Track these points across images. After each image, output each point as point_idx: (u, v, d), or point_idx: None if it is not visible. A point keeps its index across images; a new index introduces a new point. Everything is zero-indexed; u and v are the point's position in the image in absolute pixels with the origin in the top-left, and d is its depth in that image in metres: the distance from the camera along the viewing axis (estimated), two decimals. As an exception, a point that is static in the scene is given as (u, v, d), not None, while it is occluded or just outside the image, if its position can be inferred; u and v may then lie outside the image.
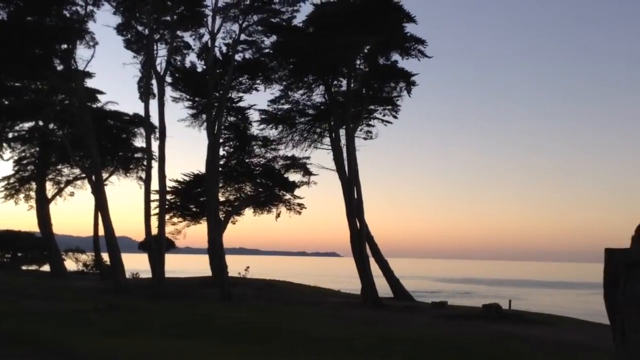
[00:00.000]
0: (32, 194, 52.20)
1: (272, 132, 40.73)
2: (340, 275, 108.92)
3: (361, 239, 35.37)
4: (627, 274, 9.65)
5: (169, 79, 38.83)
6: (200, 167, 42.10)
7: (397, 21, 34.47)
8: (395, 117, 39.60)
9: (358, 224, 35.51)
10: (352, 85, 36.51)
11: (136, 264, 53.97)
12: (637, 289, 9.54)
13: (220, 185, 40.72)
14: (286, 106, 39.47)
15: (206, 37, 38.21)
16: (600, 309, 10.18)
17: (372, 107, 39.54)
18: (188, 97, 41.07)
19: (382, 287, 38.74)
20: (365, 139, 40.20)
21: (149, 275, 38.00)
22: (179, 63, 40.36)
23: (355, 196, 35.93)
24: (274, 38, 37.54)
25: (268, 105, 39.57)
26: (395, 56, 36.24)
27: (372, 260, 37.18)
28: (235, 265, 40.74)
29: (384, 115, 39.73)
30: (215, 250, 35.85)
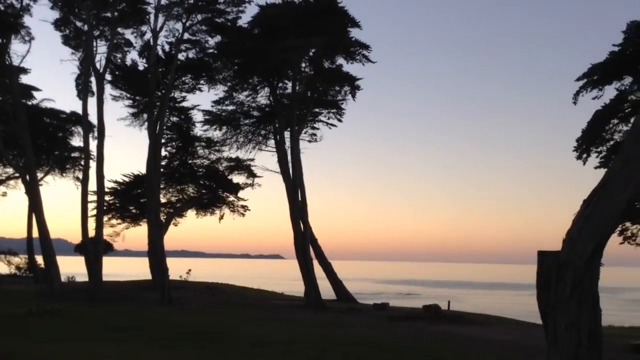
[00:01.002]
0: (-39, 193, 49.66)
1: (216, 133, 40.33)
2: (284, 277, 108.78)
3: (305, 241, 35.46)
4: (557, 275, 10.11)
5: (108, 77, 37.77)
6: (140, 167, 41.08)
7: (342, 26, 34.78)
8: (340, 120, 39.99)
9: (302, 227, 35.58)
10: (297, 87, 36.58)
11: (72, 267, 52.15)
12: (566, 289, 10.01)
13: (162, 186, 39.88)
14: (230, 107, 39.16)
15: (148, 35, 37.40)
16: (534, 309, 10.61)
17: (317, 110, 39.75)
18: (128, 95, 40.05)
19: (326, 289, 38.95)
20: (310, 141, 40.40)
21: (86, 278, 36.84)
22: (119, 61, 39.29)
23: (300, 198, 36.00)
24: (218, 38, 37.14)
25: (212, 106, 39.17)
26: (340, 60, 36.63)
27: (315, 263, 37.33)
28: (177, 268, 40.01)
29: (328, 119, 40.05)
30: (156, 253, 35.08)
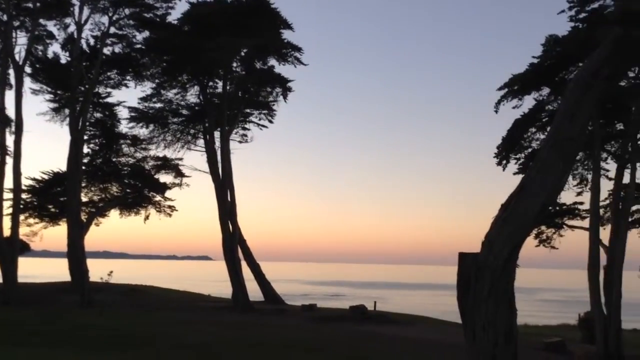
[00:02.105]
0: None
1: (142, 131, 39.16)
2: (212, 279, 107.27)
3: (233, 242, 35.14)
4: (476, 276, 10.52)
5: (28, 70, 35.91)
6: (61, 165, 39.30)
7: (274, 27, 34.73)
8: (271, 121, 39.94)
9: (231, 227, 35.24)
10: (228, 87, 36.20)
11: (-16, 269, 49.14)
12: (484, 290, 10.42)
13: (84, 184, 38.37)
14: (158, 105, 38.19)
15: (72, 28, 35.85)
16: (456, 309, 10.99)
17: (248, 110, 39.53)
18: (49, 89, 38.28)
19: (254, 291, 38.76)
20: (240, 142, 40.09)
21: (0, 280, 34.89)
22: (40, 53, 37.48)
23: (229, 199, 35.63)
24: (146, 34, 36.15)
25: (139, 103, 38.02)
26: (272, 61, 36.58)
27: (244, 264, 37.07)
28: (98, 270, 38.57)
29: (259, 119, 39.92)
30: (76, 254, 33.71)
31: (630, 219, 23.71)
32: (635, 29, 9.65)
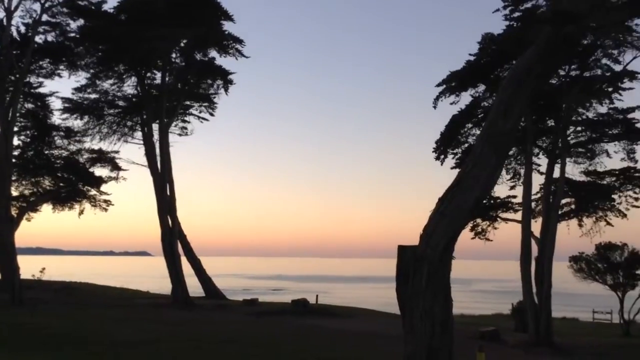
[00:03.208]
0: None
1: (76, 123, 37.72)
2: (151, 275, 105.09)
3: (173, 237, 34.49)
4: (414, 268, 10.73)
5: (-47, 57, 33.90)
6: (-11, 157, 37.34)
7: (214, 18, 34.17)
8: (212, 114, 39.34)
9: (170, 222, 34.57)
10: (167, 78, 35.41)
11: None
12: (422, 281, 10.65)
13: (14, 178, 36.65)
14: (94, 96, 36.90)
15: (1, 14, 34.11)
16: (394, 300, 11.19)
17: (188, 102, 38.78)
18: (-24, 78, 36.29)
19: (194, 287, 38.22)
20: (180, 135, 39.32)
21: None
22: (-35, 40, 35.44)
23: (168, 193, 34.92)
24: (81, 22, 34.77)
25: (73, 94, 36.60)
26: (213, 53, 35.98)
27: (184, 259, 36.50)
28: (30, 267, 36.99)
29: (200, 112, 39.23)
30: (6, 250, 32.22)
31: (560, 212, 24.78)
32: (565, 28, 10.05)
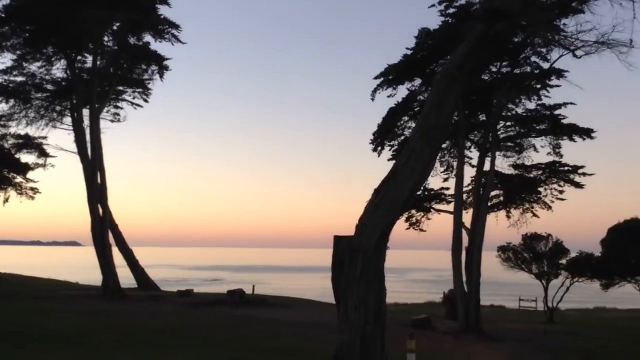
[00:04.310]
0: None
1: (1, 107, 35.82)
2: (80, 266, 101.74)
3: (104, 226, 33.40)
4: (350, 258, 10.85)
5: None
6: None
7: (150, 1, 33.16)
8: (146, 100, 38.23)
9: (101, 211, 33.45)
10: (98, 62, 34.07)
11: None
12: (357, 271, 10.79)
13: None
14: (20, 78, 35.04)
15: None
16: (331, 290, 11.28)
17: (121, 88, 37.53)
18: None
19: (126, 278, 37.28)
20: (112, 121, 38.07)
21: None
22: None
23: (99, 181, 33.75)
24: (6, 0, 32.95)
25: (-3, 76, 34.72)
26: (148, 38, 34.90)
27: (115, 250, 35.48)
28: (-52, 258, 35.07)
29: (133, 98, 38.07)
30: None
31: (489, 204, 25.67)
32: (496, 25, 10.36)
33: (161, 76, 36.30)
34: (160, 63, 35.72)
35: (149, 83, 37.32)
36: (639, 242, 24.39)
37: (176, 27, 34.30)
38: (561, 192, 26.92)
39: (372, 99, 25.42)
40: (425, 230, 28.56)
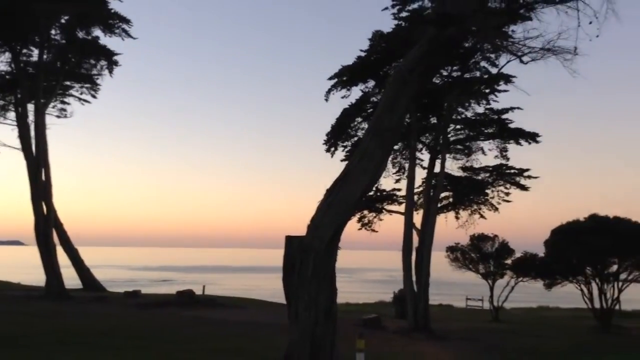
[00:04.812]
0: None
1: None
2: (23, 265, 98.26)
3: (48, 225, 32.29)
4: (301, 258, 10.85)
5: None
6: None
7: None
8: (94, 96, 37.22)
9: (45, 209, 32.35)
10: (45, 56, 32.95)
11: None
12: (308, 271, 10.79)
13: None
14: (-41, 71, 33.61)
15: None
16: (282, 290, 11.24)
17: (69, 83, 36.42)
18: None
19: (71, 278, 36.24)
20: (58, 116, 36.85)
21: None
22: None
23: (43, 178, 32.63)
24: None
25: None
26: (98, 32, 33.98)
27: (60, 249, 34.39)
28: None
29: (81, 94, 37.00)
30: None
31: (439, 205, 26.16)
32: (447, 30, 10.56)
33: (110, 71, 35.45)
34: (109, 58, 34.85)
35: (97, 78, 36.38)
36: (580, 243, 25.27)
37: (127, 21, 33.51)
38: (507, 194, 27.70)
39: (326, 100, 25.55)
40: (377, 231, 28.89)
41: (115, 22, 33.30)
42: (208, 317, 22.63)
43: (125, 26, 33.53)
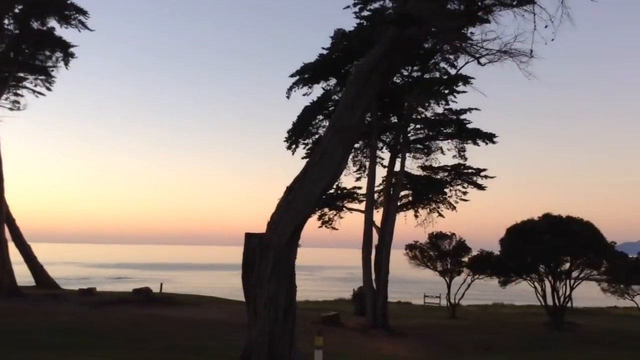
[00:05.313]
0: None
1: None
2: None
3: (-1, 221, 31.30)
4: (261, 255, 10.80)
5: None
6: None
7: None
8: (49, 88, 36.13)
9: (-4, 205, 31.32)
10: (-3, 46, 31.87)
11: None
12: (267, 269, 10.75)
13: None
14: None
15: None
16: (240, 288, 11.16)
17: (22, 74, 35.26)
18: None
19: (23, 275, 35.25)
20: (11, 109, 35.63)
21: None
22: None
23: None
24: None
25: None
26: (53, 23, 33.00)
27: (12, 245, 33.39)
28: None
29: (35, 86, 35.86)
30: None
31: (399, 203, 26.43)
32: (408, 30, 10.66)
33: (66, 63, 34.46)
34: (65, 50, 33.89)
35: (52, 70, 35.34)
36: (534, 242, 25.90)
37: (84, 13, 32.66)
38: (465, 193, 28.19)
39: (288, 97, 25.46)
40: (337, 229, 28.99)
41: (71, 13, 32.43)
42: (165, 315, 22.32)
43: (81, 17, 32.68)
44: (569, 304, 27.37)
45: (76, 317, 20.94)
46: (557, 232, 25.60)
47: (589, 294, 30.57)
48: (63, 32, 33.41)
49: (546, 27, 10.73)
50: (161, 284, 32.62)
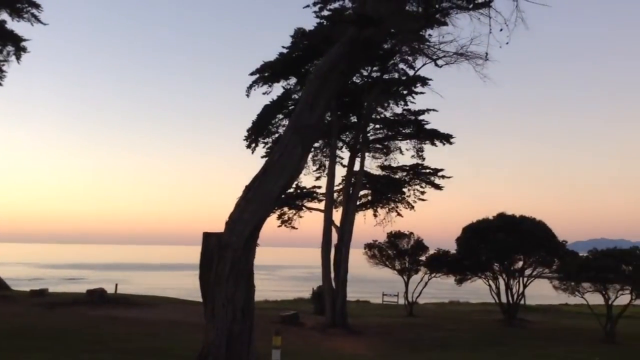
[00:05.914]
0: None
1: None
2: None
3: (-55, 221, 30.16)
4: (219, 255, 10.71)
5: None
6: None
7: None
8: (0, 83, 34.96)
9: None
10: (-57, 38, 30.62)
11: None
12: (226, 268, 10.67)
13: None
14: None
15: None
16: (197, 288, 11.03)
17: (-29, 68, 34.03)
18: None
19: (-30, 277, 33.92)
20: (-42, 104, 34.44)
21: None
22: None
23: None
24: None
25: None
26: (4, 16, 31.90)
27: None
28: None
29: (-16, 80, 34.64)
30: None
31: (358, 203, 26.61)
32: (367, 30, 10.75)
33: (18, 58, 33.35)
34: (17, 44, 32.80)
35: (3, 65, 34.16)
36: (488, 241, 26.47)
37: (37, 6, 31.66)
38: (423, 192, 28.60)
39: (247, 96, 25.31)
40: (297, 228, 28.98)
41: (23, 6, 31.39)
42: (119, 316, 21.88)
43: (34, 11, 31.66)
44: (522, 302, 28.05)
45: (28, 318, 20.31)
46: (511, 231, 26.22)
47: (541, 291, 31.39)
48: (15, 25, 32.21)
49: (501, 30, 10.99)
50: (116, 285, 31.96)
